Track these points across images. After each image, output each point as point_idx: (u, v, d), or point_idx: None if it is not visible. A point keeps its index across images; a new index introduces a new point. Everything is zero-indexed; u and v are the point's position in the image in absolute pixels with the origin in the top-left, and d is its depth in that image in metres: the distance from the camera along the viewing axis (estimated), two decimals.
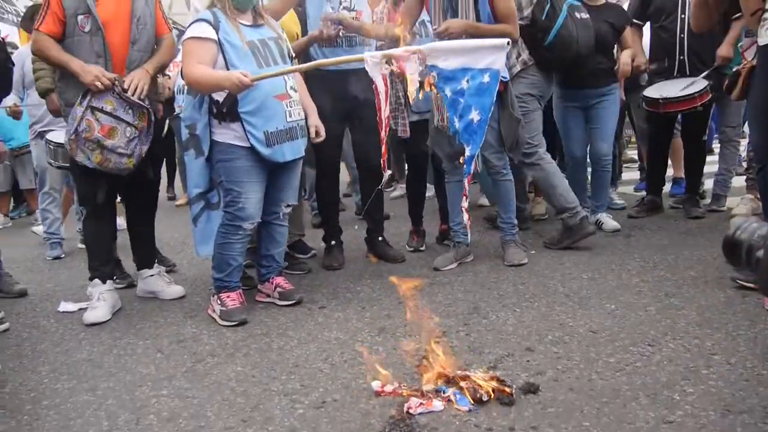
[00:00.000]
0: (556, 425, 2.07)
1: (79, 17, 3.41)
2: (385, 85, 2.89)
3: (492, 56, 2.87)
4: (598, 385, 2.34)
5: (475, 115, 2.88)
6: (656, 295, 3.26)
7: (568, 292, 3.41)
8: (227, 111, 3.24)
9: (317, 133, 3.60)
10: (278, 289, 3.54)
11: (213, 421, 2.29)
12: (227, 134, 3.28)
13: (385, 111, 2.91)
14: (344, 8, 3.94)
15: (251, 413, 2.32)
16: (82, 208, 3.77)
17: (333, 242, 4.37)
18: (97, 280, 3.69)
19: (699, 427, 2.01)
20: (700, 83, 4.51)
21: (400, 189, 6.71)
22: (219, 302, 3.38)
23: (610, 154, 4.76)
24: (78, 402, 2.53)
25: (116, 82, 3.41)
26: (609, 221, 4.77)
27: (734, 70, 3.72)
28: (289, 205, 3.59)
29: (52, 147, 4.62)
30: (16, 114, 5.27)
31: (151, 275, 3.98)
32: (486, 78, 2.86)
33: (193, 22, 3.30)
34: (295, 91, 3.40)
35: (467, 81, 2.86)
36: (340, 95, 3.94)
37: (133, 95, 3.43)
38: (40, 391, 2.67)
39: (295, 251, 4.66)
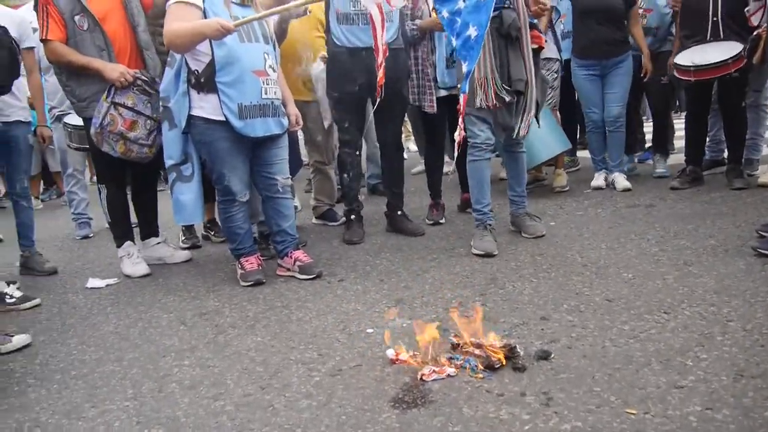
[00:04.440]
0: (567, 390, 2.10)
1: (76, 17, 3.59)
2: (381, 13, 3.01)
3: None
4: (611, 351, 2.35)
5: (472, 31, 3.00)
6: (675, 264, 3.25)
7: (586, 262, 3.41)
8: (205, 81, 3.33)
9: (297, 122, 3.76)
10: (298, 263, 3.61)
11: (232, 388, 2.36)
12: (204, 107, 3.37)
13: (381, 38, 3.05)
14: None
15: (269, 381, 2.38)
16: (101, 185, 3.95)
17: (353, 216, 4.41)
18: (129, 242, 4.03)
19: (710, 391, 2.02)
20: (734, 48, 4.36)
21: (420, 164, 6.73)
22: (239, 267, 3.61)
23: (622, 117, 5.10)
24: (104, 372, 2.63)
25: (139, 76, 3.64)
26: (622, 181, 5.10)
27: (755, 33, 3.64)
28: (287, 178, 3.66)
29: (69, 130, 4.74)
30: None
31: (158, 243, 4.23)
32: None
33: None
34: (274, 71, 3.47)
35: (463, 1, 2.96)
36: (364, 70, 3.95)
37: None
38: (69, 362, 2.77)
39: (326, 220, 4.94)
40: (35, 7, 3.67)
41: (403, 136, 4.74)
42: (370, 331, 2.76)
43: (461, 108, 3.20)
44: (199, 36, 3.20)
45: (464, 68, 3.05)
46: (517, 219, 4.08)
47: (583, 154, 6.38)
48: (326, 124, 4.77)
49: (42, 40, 3.66)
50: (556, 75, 5.33)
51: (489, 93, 3.58)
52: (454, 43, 3.08)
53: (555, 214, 4.50)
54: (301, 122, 3.84)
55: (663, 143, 5.62)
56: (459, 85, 3.36)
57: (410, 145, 8.03)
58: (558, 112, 5.51)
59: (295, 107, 3.78)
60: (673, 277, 3.07)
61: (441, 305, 2.98)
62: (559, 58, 5.33)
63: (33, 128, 4.64)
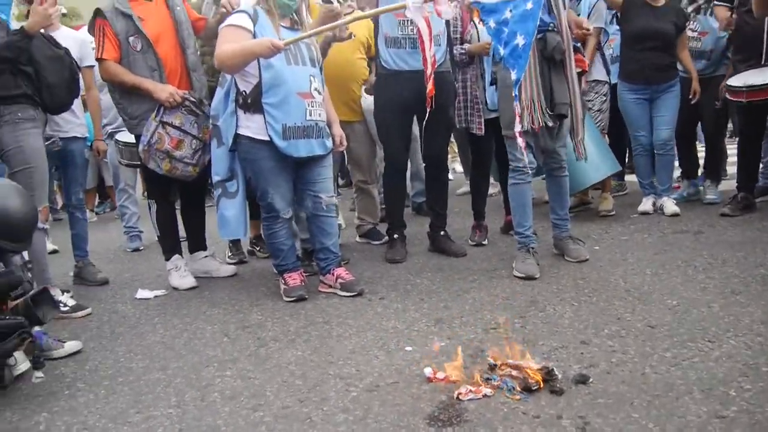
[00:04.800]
0: (604, 415, 2.08)
1: (130, 38, 3.76)
2: (428, 26, 3.11)
3: None
4: (651, 378, 2.32)
5: (520, 40, 3.09)
6: (722, 292, 3.18)
7: (629, 287, 3.37)
8: (252, 101, 3.44)
9: (341, 142, 3.83)
10: (340, 280, 3.66)
11: (272, 400, 2.41)
12: (250, 127, 3.47)
13: (429, 50, 3.14)
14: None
15: (308, 394, 2.43)
16: (151, 201, 4.15)
17: (396, 236, 4.45)
18: (177, 256, 4.16)
19: (753, 423, 1.98)
20: None
21: (466, 185, 6.74)
22: (283, 282, 3.68)
23: (672, 140, 5.06)
24: (150, 380, 2.71)
25: (188, 97, 3.78)
26: (670, 206, 5.02)
27: None
28: (331, 196, 3.73)
29: (120, 147, 4.92)
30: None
31: (205, 256, 4.35)
32: (529, 5, 3.06)
33: (234, 13, 3.52)
34: (319, 93, 3.55)
35: (510, 11, 3.08)
36: (411, 93, 4.00)
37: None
38: (117, 369, 2.87)
39: (369, 238, 4.98)
40: (90, 29, 3.85)
41: (449, 157, 4.78)
42: (408, 349, 2.78)
43: (516, 112, 3.28)
44: (251, 55, 3.31)
45: (513, 76, 3.11)
46: (560, 242, 4.06)
47: (631, 178, 6.29)
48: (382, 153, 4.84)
49: (97, 59, 3.84)
50: (604, 98, 5.30)
51: (535, 115, 3.60)
52: (502, 52, 3.13)
53: (600, 239, 4.46)
54: (345, 143, 3.92)
55: (715, 169, 5.51)
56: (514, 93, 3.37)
57: (456, 166, 8.06)
58: (606, 136, 5.47)
59: (340, 128, 3.86)
60: (719, 306, 3.01)
61: (480, 326, 2.98)
62: (608, 80, 5.30)
63: (89, 143, 4.83)
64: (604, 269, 3.73)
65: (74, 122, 4.37)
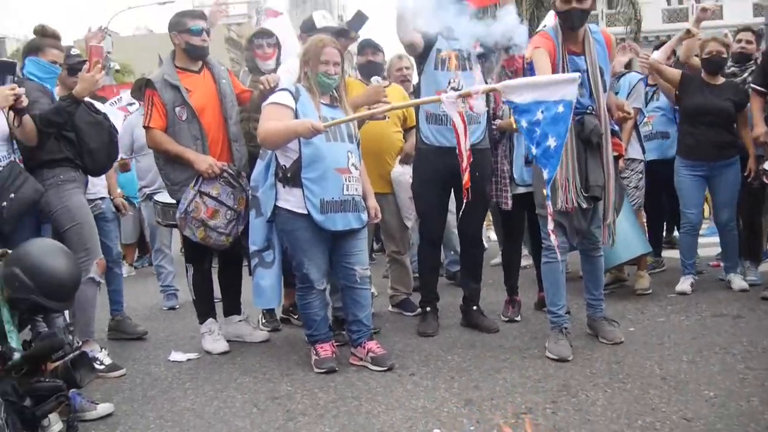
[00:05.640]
0: None
1: (177, 108, 3.93)
2: (463, 121, 3.19)
3: (565, 89, 3.11)
4: None
5: (551, 142, 3.12)
6: (762, 384, 3.10)
7: (665, 374, 3.30)
8: (292, 176, 3.56)
9: (375, 215, 3.90)
10: (371, 354, 3.67)
11: None
12: (289, 201, 3.59)
13: (465, 144, 3.30)
14: (452, 88, 4.03)
15: None
16: (189, 265, 4.24)
17: (429, 309, 4.45)
18: (211, 320, 4.23)
19: None
20: None
21: (500, 256, 6.72)
22: (314, 352, 3.70)
23: (733, 220, 5.08)
24: None
25: (226, 169, 3.93)
26: (738, 281, 5.02)
27: None
28: (366, 269, 3.77)
29: (159, 207, 5.05)
30: (124, 167, 5.85)
31: (240, 320, 4.42)
32: (560, 108, 3.09)
33: (277, 91, 3.68)
34: (356, 168, 3.66)
35: (542, 112, 3.14)
36: (448, 168, 4.03)
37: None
38: None
39: (402, 309, 4.98)
40: (133, 93, 4.02)
41: (484, 224, 4.81)
42: (436, 431, 2.76)
43: (549, 216, 3.37)
44: (293, 135, 3.46)
45: (545, 175, 3.15)
46: (594, 323, 4.01)
47: (668, 254, 6.21)
48: (409, 224, 4.91)
49: (145, 127, 4.02)
50: (640, 175, 5.31)
51: (569, 195, 3.62)
52: (534, 151, 3.18)
53: (635, 319, 4.39)
54: (380, 215, 4.00)
55: (754, 249, 5.43)
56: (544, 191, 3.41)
57: (491, 235, 8.05)
58: (644, 212, 5.46)
59: (374, 201, 3.93)
60: (758, 400, 2.93)
61: (510, 410, 2.95)
62: (643, 158, 5.32)
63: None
64: (639, 353, 3.67)
65: (99, 184, 4.58)
